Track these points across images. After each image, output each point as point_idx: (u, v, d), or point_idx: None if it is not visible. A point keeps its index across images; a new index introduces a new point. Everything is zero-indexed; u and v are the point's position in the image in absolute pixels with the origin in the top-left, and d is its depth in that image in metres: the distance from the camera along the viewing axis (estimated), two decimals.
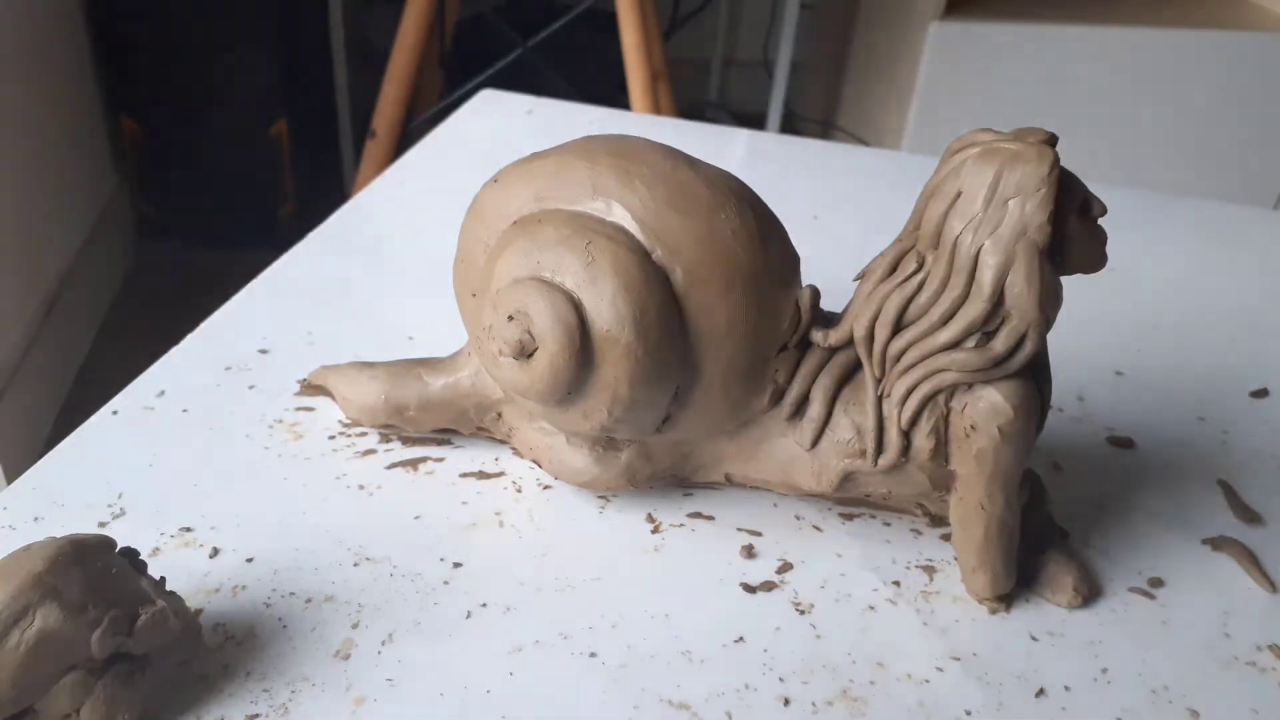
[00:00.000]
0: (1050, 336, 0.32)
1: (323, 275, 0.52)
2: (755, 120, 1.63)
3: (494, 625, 0.33)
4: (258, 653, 0.32)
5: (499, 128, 0.73)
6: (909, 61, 1.40)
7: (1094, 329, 0.52)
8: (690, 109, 1.70)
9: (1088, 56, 1.37)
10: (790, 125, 1.76)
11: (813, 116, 1.86)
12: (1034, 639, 0.35)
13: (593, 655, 0.33)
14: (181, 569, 0.34)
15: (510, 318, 0.32)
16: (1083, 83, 1.39)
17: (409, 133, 1.36)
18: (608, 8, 1.27)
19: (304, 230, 0.55)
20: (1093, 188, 0.32)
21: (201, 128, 1.56)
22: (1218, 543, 0.39)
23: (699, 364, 0.33)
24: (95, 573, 0.28)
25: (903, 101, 1.42)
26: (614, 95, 1.44)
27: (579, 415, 0.33)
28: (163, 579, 0.30)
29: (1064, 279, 0.31)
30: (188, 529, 0.36)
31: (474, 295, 0.35)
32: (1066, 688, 0.33)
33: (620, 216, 0.32)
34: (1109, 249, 0.32)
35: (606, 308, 0.31)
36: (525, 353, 0.32)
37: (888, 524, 0.39)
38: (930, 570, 0.37)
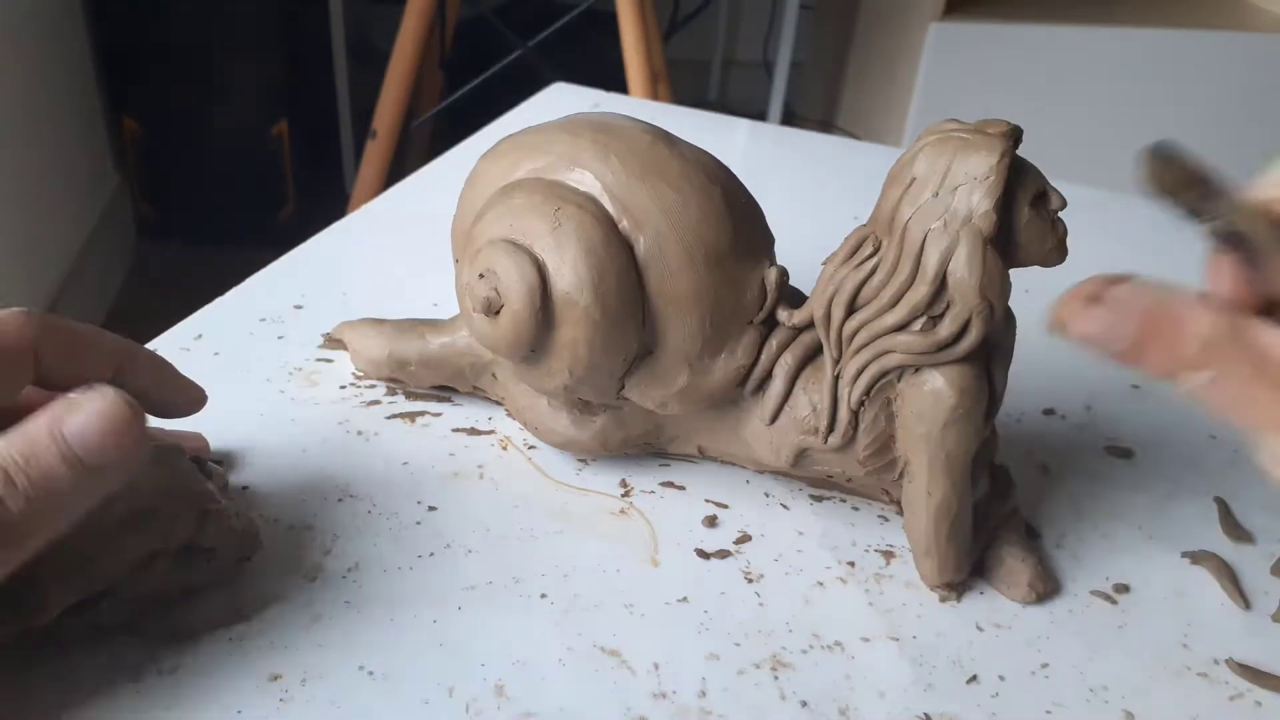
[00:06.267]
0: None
1: (368, 243, 0.56)
2: (755, 120, 1.63)
3: (454, 564, 0.36)
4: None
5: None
6: (909, 62, 1.40)
7: None
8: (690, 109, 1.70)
9: (1087, 57, 1.35)
10: (790, 125, 1.75)
11: (812, 117, 1.86)
12: (979, 629, 0.35)
13: (541, 598, 0.35)
14: None
15: (481, 275, 0.34)
16: (1082, 83, 1.37)
17: (409, 133, 1.38)
18: (608, 8, 1.28)
19: (305, 230, 0.58)
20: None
21: (202, 128, 1.59)
22: (1197, 556, 0.38)
23: (661, 332, 0.35)
24: (170, 473, 0.32)
25: (902, 102, 1.42)
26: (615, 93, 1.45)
27: (544, 373, 0.35)
28: (226, 484, 0.34)
29: None
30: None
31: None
32: (1001, 677, 0.33)
33: (591, 186, 0.34)
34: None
35: (568, 271, 0.33)
36: (493, 309, 0.34)
37: (856, 508, 0.40)
38: (889, 555, 0.38)
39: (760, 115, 1.58)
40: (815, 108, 1.88)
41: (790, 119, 1.76)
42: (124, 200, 1.65)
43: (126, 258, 1.65)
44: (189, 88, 1.58)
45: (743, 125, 0.77)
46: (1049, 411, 0.46)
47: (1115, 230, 0.61)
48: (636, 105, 0.81)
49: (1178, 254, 0.60)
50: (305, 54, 1.66)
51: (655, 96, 1.24)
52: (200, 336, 0.46)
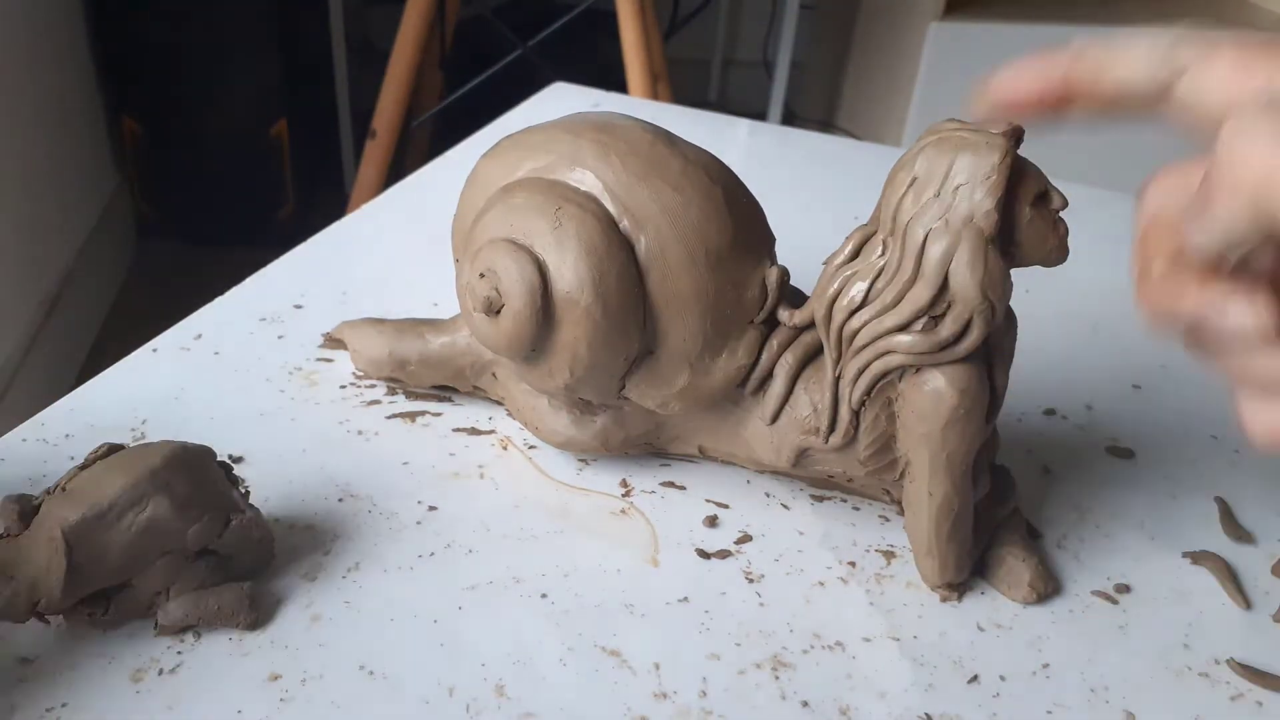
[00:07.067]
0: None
1: (368, 243, 0.56)
2: (755, 120, 1.64)
3: (454, 564, 0.36)
4: None
5: None
6: (909, 62, 1.40)
7: (1119, 341, 0.51)
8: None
9: None
10: (790, 125, 1.75)
11: (812, 117, 1.86)
12: (980, 629, 0.35)
13: (541, 598, 0.34)
14: None
15: (482, 275, 0.34)
16: None
17: (409, 133, 1.37)
18: (607, 8, 1.27)
19: (304, 230, 0.58)
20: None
21: (202, 128, 1.59)
22: (1198, 556, 0.38)
23: (662, 332, 0.35)
24: (199, 477, 0.32)
25: (902, 102, 1.42)
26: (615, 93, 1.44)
27: (545, 373, 0.35)
28: (248, 492, 0.34)
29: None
30: None
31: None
32: (1001, 677, 0.33)
33: (592, 186, 0.34)
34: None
35: (569, 271, 0.33)
36: (493, 309, 0.34)
37: (856, 508, 0.40)
38: (890, 555, 0.38)
39: (760, 115, 1.59)
40: (815, 108, 1.89)
41: (790, 119, 1.77)
42: (124, 200, 1.65)
43: (126, 257, 1.64)
44: (189, 88, 1.58)
45: (743, 125, 0.77)
46: (1050, 412, 0.46)
47: (1115, 230, 0.61)
48: (637, 105, 0.81)
49: None
50: (305, 54, 1.65)
51: (655, 96, 1.24)
52: (200, 336, 0.46)
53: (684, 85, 1.74)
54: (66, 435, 0.40)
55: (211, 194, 1.66)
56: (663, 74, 1.29)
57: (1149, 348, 0.51)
